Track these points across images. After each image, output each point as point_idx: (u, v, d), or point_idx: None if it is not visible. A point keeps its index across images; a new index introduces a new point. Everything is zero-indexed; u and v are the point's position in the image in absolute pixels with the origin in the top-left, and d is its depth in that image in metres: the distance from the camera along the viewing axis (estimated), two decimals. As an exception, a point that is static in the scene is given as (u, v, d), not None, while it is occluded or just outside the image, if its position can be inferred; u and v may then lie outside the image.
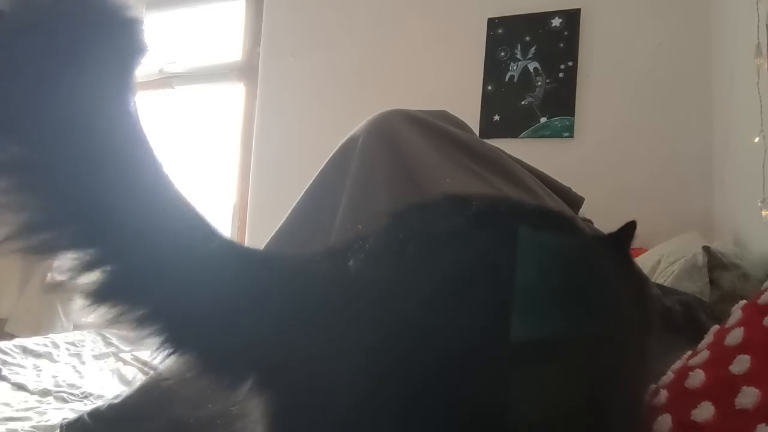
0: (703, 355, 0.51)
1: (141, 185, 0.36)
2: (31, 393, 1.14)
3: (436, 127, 0.86)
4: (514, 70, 1.98)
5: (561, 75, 1.91)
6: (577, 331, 0.35)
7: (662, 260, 1.18)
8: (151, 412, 0.78)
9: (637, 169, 1.51)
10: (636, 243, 0.49)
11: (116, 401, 0.82)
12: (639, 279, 0.56)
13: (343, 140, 0.84)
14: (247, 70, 2.50)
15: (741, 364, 0.44)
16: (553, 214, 0.52)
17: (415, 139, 0.81)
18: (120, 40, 0.35)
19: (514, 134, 1.95)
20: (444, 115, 0.92)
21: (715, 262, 0.98)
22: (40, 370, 1.32)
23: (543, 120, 1.92)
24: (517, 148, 1.02)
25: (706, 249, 1.00)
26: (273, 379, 0.37)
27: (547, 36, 1.94)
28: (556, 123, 1.90)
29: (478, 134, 1.02)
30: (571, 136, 1.88)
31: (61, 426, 0.85)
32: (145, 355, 1.47)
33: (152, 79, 2.69)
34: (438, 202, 0.46)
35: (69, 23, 0.33)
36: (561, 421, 0.33)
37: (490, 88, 2.01)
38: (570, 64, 1.90)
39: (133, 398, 0.82)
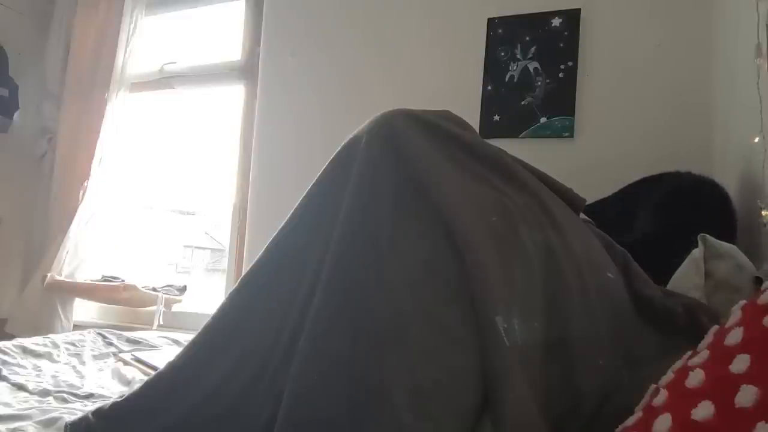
0: (703, 354, 0.51)
1: None
2: (31, 393, 1.14)
3: (439, 128, 0.86)
4: (514, 70, 1.98)
5: (561, 75, 1.91)
6: None
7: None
8: (157, 407, 0.79)
9: (637, 169, 1.50)
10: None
11: (119, 400, 0.83)
12: None
13: (346, 140, 0.83)
14: (247, 70, 2.50)
15: (741, 363, 0.44)
16: None
17: (419, 139, 0.81)
18: None
19: (514, 134, 1.95)
20: (447, 116, 0.92)
21: (710, 253, 0.99)
22: (40, 370, 1.31)
23: (543, 120, 1.92)
24: (517, 148, 1.02)
25: (703, 238, 1.01)
26: None
27: (547, 36, 1.95)
28: (556, 123, 1.90)
29: (478, 134, 1.02)
30: (571, 136, 1.88)
31: (66, 426, 0.86)
32: (145, 355, 1.47)
33: (152, 79, 2.69)
34: None
35: None
36: None
37: (490, 88, 2.01)
38: (570, 64, 1.90)
39: (136, 396, 0.82)
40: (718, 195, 1.26)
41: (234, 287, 0.83)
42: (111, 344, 1.65)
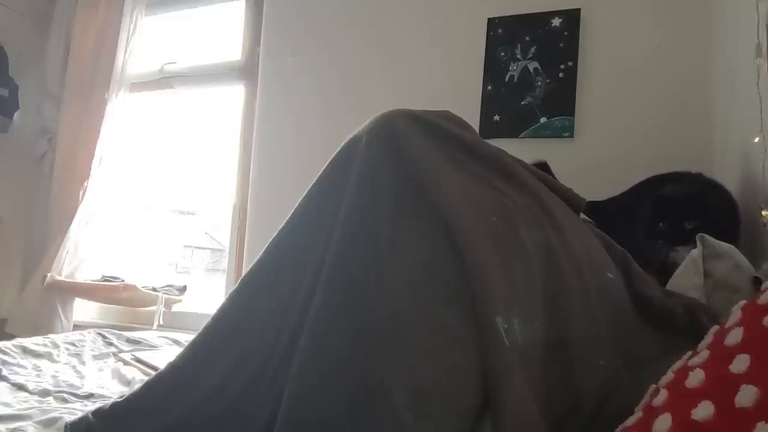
0: (703, 354, 0.51)
1: None
2: (31, 393, 1.14)
3: (439, 128, 0.86)
4: (514, 70, 1.98)
5: (561, 75, 1.91)
6: None
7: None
8: (157, 407, 0.79)
9: (637, 169, 1.50)
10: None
11: (119, 400, 0.83)
12: None
13: (346, 141, 0.83)
14: (247, 70, 2.50)
15: (741, 363, 0.44)
16: None
17: (419, 139, 0.81)
18: None
19: (514, 134, 1.95)
20: (447, 116, 0.92)
21: (709, 252, 0.99)
22: (40, 370, 1.31)
23: (543, 120, 1.92)
24: (517, 148, 1.02)
25: (702, 238, 1.01)
26: None
27: (547, 36, 1.95)
28: (556, 123, 1.90)
29: (478, 134, 1.02)
30: (571, 136, 1.88)
31: (66, 426, 0.86)
32: (145, 355, 1.47)
33: (152, 79, 2.69)
34: None
35: None
36: None
37: (490, 88, 2.01)
38: (570, 64, 1.90)
39: (136, 396, 0.82)
40: (720, 197, 1.26)
41: (234, 287, 0.83)
42: (111, 344, 1.65)
